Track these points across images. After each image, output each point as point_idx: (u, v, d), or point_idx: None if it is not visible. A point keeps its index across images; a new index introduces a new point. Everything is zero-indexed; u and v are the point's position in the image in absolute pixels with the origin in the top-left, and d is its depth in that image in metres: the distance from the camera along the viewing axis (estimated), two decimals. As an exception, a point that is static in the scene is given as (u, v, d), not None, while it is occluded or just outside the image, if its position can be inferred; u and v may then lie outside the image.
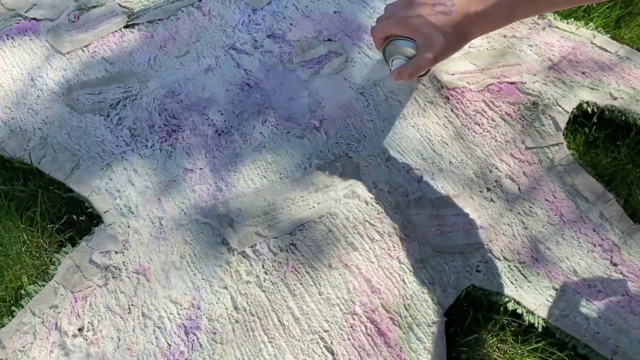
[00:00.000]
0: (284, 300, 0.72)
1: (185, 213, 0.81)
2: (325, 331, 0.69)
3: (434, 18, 0.68)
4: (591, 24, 0.99)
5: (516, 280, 0.72)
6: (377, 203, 0.79)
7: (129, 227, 0.80)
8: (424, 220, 0.77)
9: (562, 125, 0.85)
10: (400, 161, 0.83)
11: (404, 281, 0.72)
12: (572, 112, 0.87)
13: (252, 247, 0.77)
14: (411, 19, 0.69)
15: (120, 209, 0.81)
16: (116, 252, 0.77)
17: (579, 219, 0.77)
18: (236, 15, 1.06)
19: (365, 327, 0.69)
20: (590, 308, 0.70)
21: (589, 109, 0.87)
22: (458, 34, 0.68)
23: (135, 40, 1.04)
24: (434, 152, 0.84)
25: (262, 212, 0.80)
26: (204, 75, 0.97)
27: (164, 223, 0.80)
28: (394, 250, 0.75)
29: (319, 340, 0.69)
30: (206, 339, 0.70)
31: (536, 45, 0.95)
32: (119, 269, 0.76)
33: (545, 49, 0.95)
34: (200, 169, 0.85)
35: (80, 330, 0.71)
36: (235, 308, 0.72)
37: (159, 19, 1.06)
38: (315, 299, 0.72)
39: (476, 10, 0.67)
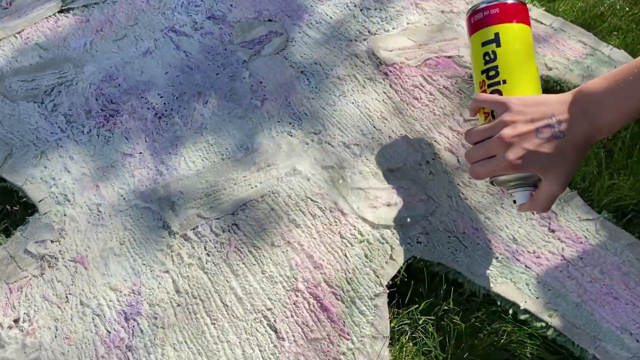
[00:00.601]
0: (227, 281, 0.71)
1: (124, 198, 0.79)
2: (269, 309, 0.69)
3: (547, 148, 0.57)
4: (527, -3, 1.00)
5: (457, 250, 0.73)
6: (318, 179, 0.79)
7: (65, 215, 0.77)
8: (364, 194, 0.77)
9: (500, 97, 0.86)
10: (341, 137, 0.83)
11: (345, 255, 0.72)
12: (509, 84, 0.88)
13: (193, 229, 0.76)
14: (520, 159, 0.58)
15: (56, 197, 0.79)
16: (52, 241, 0.75)
17: (517, 188, 0.78)
18: (175, -3, 1.03)
19: (309, 303, 0.69)
20: (529, 274, 0.71)
21: (526, 81, 0.88)
22: (579, 151, 0.58)
23: (70, 25, 1.00)
24: (374, 127, 0.84)
25: (204, 193, 0.79)
26: (142, 59, 0.95)
27: (102, 209, 0.78)
28: (336, 225, 0.75)
29: (262, 319, 0.68)
30: (147, 324, 0.68)
31: (474, 19, 0.96)
32: (55, 258, 0.74)
33: (483, 23, 0.95)
34: (140, 153, 0.83)
35: (15, 321, 0.69)
36: (177, 291, 0.71)
37: (95, 3, 1.03)
38: (258, 278, 0.71)
39: (591, 124, 0.56)
